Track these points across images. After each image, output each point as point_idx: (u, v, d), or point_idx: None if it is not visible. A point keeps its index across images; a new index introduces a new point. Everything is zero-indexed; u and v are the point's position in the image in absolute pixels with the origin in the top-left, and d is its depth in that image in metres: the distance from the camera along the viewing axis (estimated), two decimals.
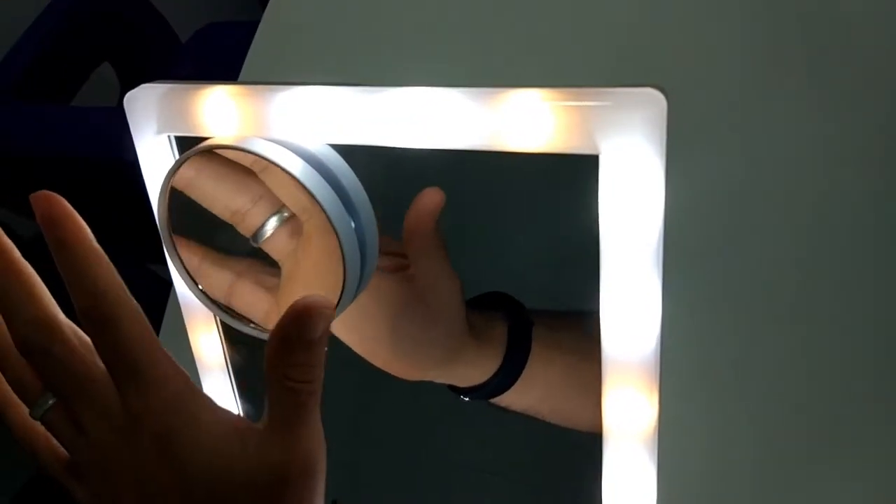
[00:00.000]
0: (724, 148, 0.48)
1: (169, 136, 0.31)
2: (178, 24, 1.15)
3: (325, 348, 0.23)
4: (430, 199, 0.28)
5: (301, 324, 0.23)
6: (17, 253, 0.26)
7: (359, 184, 0.29)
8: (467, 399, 0.31)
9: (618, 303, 0.25)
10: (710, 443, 0.41)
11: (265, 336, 0.31)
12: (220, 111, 0.29)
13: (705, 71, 0.51)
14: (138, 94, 0.31)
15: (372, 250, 0.29)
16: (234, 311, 0.31)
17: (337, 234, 0.28)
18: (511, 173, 0.27)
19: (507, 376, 0.30)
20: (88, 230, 0.25)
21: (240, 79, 0.66)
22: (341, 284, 0.29)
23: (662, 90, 0.23)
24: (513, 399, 0.30)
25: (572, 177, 0.25)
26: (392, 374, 0.30)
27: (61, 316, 0.25)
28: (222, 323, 0.35)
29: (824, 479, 0.40)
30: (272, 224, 0.27)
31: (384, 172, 0.29)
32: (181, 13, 1.17)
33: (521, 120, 0.24)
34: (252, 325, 0.31)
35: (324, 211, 0.27)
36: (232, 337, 0.35)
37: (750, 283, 0.44)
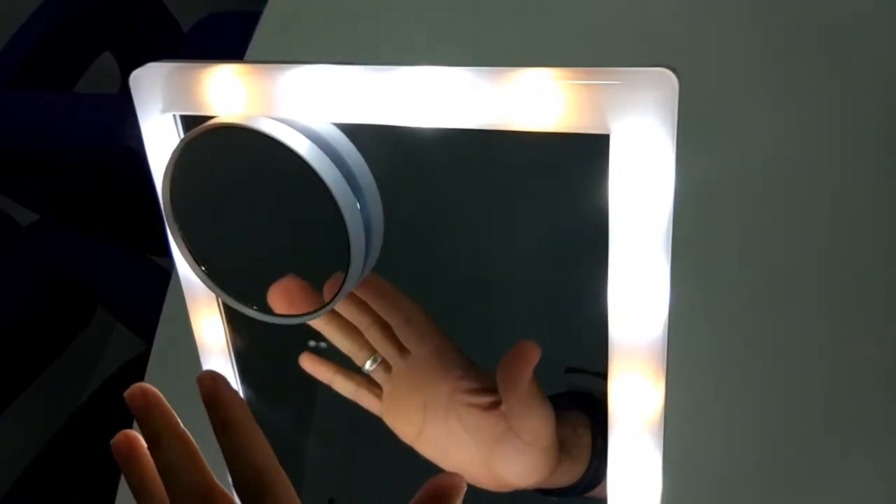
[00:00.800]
0: (735, 137, 0.48)
1: (174, 115, 0.31)
2: (180, 13, 1.15)
3: None
4: (529, 354, 0.29)
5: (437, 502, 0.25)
6: (180, 423, 0.29)
7: (364, 164, 0.29)
8: (555, 499, 0.32)
9: (626, 286, 0.25)
10: (717, 433, 0.41)
11: (266, 318, 0.31)
12: (226, 90, 0.29)
13: (716, 60, 0.51)
14: (144, 72, 0.31)
15: (377, 230, 0.29)
16: (236, 291, 0.30)
17: (342, 213, 0.27)
18: (520, 153, 0.26)
19: (594, 479, 0.31)
20: (248, 410, 0.28)
21: None
22: (346, 265, 0.28)
23: (675, 71, 0.23)
24: (598, 491, 0.31)
25: (582, 157, 0.24)
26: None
27: (217, 485, 0.28)
28: (224, 306, 0.34)
29: (831, 475, 0.39)
30: (369, 365, 0.34)
31: (390, 152, 0.29)
32: (183, 3, 1.17)
33: (531, 99, 0.24)
34: (254, 307, 0.31)
35: (329, 190, 0.27)
36: (234, 320, 0.35)
37: (758, 276, 0.44)
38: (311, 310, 0.30)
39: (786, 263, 0.44)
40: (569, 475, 0.31)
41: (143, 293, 0.94)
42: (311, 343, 0.36)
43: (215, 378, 0.28)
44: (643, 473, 0.28)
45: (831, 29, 0.50)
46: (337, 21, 0.64)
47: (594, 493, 0.31)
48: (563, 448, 0.31)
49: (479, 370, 0.32)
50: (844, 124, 0.47)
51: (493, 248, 0.30)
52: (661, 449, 0.27)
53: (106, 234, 1.02)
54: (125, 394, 0.29)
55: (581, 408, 0.31)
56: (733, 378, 0.42)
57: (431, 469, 0.35)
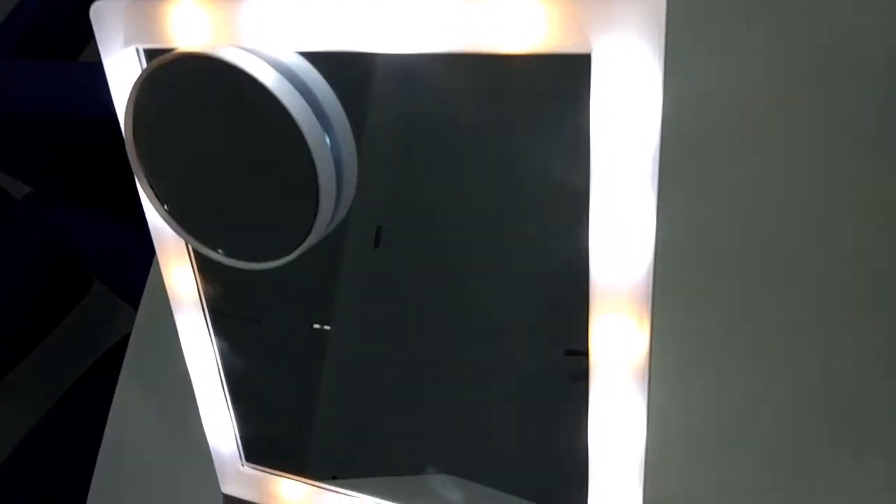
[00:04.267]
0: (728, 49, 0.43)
1: (137, 49, 0.29)
2: None
3: None
4: None
5: None
6: None
7: (334, 96, 0.27)
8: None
9: (608, 220, 0.24)
10: (705, 379, 0.38)
11: (233, 263, 0.29)
12: (189, 21, 0.27)
13: None
14: (105, 5, 0.29)
15: (349, 169, 0.28)
16: (201, 233, 0.29)
17: (310, 149, 0.26)
18: (499, 79, 0.25)
19: None
20: None
21: None
22: (315, 206, 0.27)
23: None
24: None
25: (563, 81, 0.23)
26: None
27: None
28: (195, 254, 0.33)
29: (825, 478, 0.37)
30: None
31: (362, 83, 0.27)
32: None
33: (509, 16, 0.22)
34: (220, 250, 0.29)
35: (295, 124, 0.26)
36: (205, 270, 0.33)
37: (755, 210, 0.39)
38: (277, 256, 0.29)
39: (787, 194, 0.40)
40: None
41: (136, 263, 0.93)
42: (316, 325, 0.35)
43: None
44: (626, 423, 0.26)
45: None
46: None
47: None
48: None
49: None
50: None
51: (471, 179, 0.28)
52: (646, 396, 0.26)
53: (100, 204, 1.01)
54: None
55: None
56: (723, 321, 0.39)
57: (429, 414, 0.33)
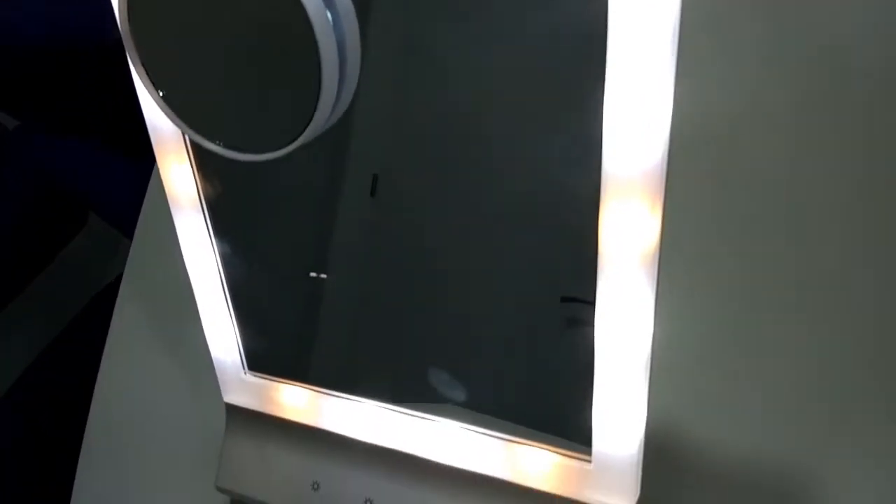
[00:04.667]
0: None
1: None
2: None
3: None
4: None
5: None
6: None
7: None
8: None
9: (622, 97, 0.23)
10: (717, 271, 0.36)
11: (231, 155, 0.28)
12: None
13: None
14: None
15: (353, 50, 0.26)
16: (199, 123, 0.28)
17: (312, 25, 0.25)
18: None
19: None
20: None
21: None
22: (317, 91, 0.26)
23: None
24: None
25: None
26: None
27: None
28: (194, 150, 0.32)
29: (840, 389, 0.36)
30: None
31: None
32: None
33: None
34: (218, 142, 0.28)
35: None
36: (204, 167, 0.32)
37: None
38: (277, 146, 0.28)
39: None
40: None
41: (130, 194, 0.92)
42: (312, 274, 0.34)
43: None
44: (634, 315, 0.26)
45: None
46: None
47: None
48: None
49: None
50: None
51: (478, 66, 0.27)
52: (655, 288, 0.26)
53: (92, 135, 0.99)
54: None
55: None
56: (737, 214, 0.37)
57: (432, 322, 0.33)
